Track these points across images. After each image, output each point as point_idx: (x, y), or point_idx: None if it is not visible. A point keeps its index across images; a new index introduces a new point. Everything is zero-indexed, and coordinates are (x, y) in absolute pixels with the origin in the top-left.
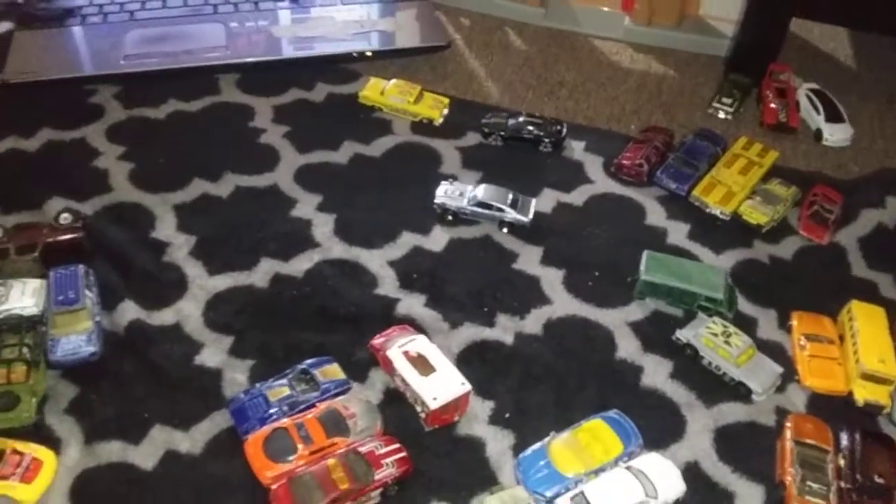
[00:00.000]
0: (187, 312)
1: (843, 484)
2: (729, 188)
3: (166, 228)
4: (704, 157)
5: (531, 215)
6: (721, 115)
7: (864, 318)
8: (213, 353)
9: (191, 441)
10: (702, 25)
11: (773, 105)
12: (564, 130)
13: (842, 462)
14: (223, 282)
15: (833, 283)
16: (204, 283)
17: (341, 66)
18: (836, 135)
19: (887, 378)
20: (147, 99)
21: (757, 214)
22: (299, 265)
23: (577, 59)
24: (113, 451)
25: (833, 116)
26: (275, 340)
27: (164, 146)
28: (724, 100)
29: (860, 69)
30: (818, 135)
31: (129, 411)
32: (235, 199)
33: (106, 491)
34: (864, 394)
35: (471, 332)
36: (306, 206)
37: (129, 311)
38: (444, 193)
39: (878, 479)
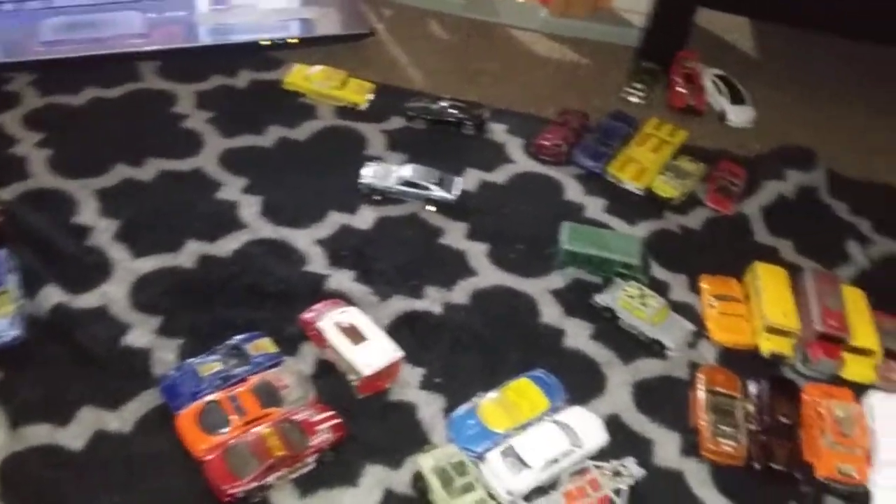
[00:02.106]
0: (112, 295)
1: (751, 426)
2: (642, 165)
3: (88, 213)
4: (618, 137)
5: (456, 193)
6: (633, 99)
7: (767, 277)
8: (141, 333)
9: (120, 420)
10: (614, 17)
11: (681, 89)
12: (486, 114)
13: (751, 407)
14: (149, 264)
15: (739, 249)
16: (129, 266)
17: (264, 53)
18: (739, 116)
19: (790, 330)
20: (65, 86)
21: (668, 189)
22: (226, 246)
23: (496, 47)
24: (40, 434)
25: (736, 99)
26: (204, 319)
27: (85, 133)
28: (636, 85)
29: (761, 56)
30: (723, 116)
31: (56, 394)
32: (159, 184)
33: (35, 474)
34: (769, 346)
35: (400, 305)
36: (232, 188)
37: (52, 295)
38: (371, 174)
39: (782, 420)
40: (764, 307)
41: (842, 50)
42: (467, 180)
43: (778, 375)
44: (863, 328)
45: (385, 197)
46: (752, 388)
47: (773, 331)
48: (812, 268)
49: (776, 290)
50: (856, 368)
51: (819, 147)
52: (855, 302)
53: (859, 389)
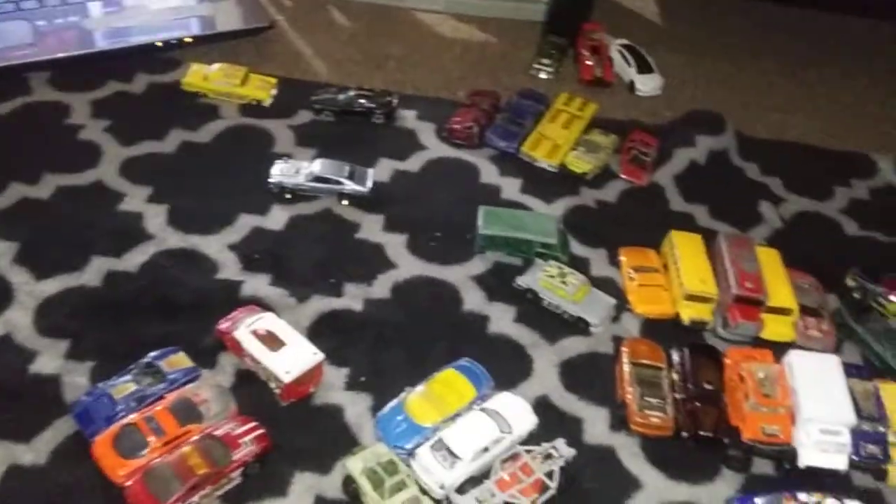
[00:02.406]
0: (16, 322)
1: (677, 395)
2: (554, 142)
3: None
4: (529, 115)
5: (370, 185)
6: (542, 75)
7: (683, 245)
8: (49, 359)
9: (34, 452)
10: None
11: (588, 62)
12: (395, 101)
13: (675, 376)
14: (52, 286)
15: (655, 219)
16: (32, 290)
17: (161, 55)
18: (647, 85)
19: (709, 297)
20: None
21: (581, 164)
22: (133, 259)
23: (401, 32)
24: None
25: (644, 68)
26: (115, 338)
27: None
28: (544, 61)
29: (666, 24)
30: (632, 86)
31: None
32: (58, 200)
33: None
34: (689, 313)
35: (319, 305)
36: (136, 199)
37: None
38: (280, 172)
39: (707, 386)
40: (682, 275)
41: (745, 9)
42: (380, 171)
43: (699, 342)
44: (779, 288)
45: (296, 195)
46: (675, 356)
47: (693, 298)
48: (726, 232)
49: (693, 258)
50: (775, 328)
51: (728, 109)
52: (770, 262)
53: (780, 349)
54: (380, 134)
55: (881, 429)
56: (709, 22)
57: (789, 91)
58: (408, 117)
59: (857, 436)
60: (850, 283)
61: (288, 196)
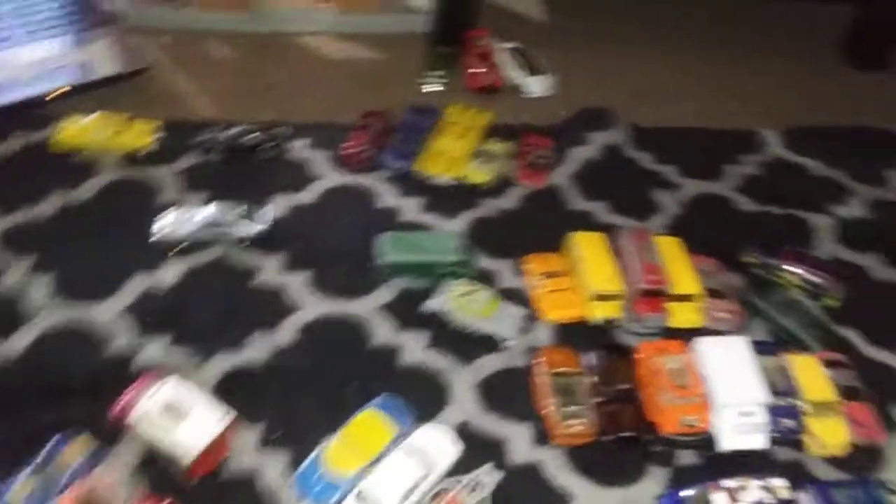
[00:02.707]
0: None
1: (595, 399)
2: (451, 155)
3: None
4: (423, 131)
5: (266, 224)
6: (432, 87)
7: (585, 245)
8: None
9: None
10: (401, 5)
11: (477, 70)
12: (285, 132)
13: (591, 380)
14: None
15: (557, 222)
16: None
17: (34, 111)
18: (538, 86)
19: (616, 294)
20: None
21: (480, 174)
22: (19, 342)
23: (285, 58)
24: None
25: (533, 70)
26: (7, 432)
27: None
28: (433, 73)
29: (553, 23)
30: (522, 89)
31: None
32: None
33: None
34: (599, 313)
35: (224, 361)
36: (16, 272)
37: None
38: (170, 223)
39: (622, 386)
40: (587, 276)
41: (629, 1)
42: (276, 207)
43: (609, 342)
44: (682, 275)
45: (190, 245)
46: (589, 359)
47: (601, 297)
48: (625, 226)
49: (596, 257)
50: (682, 315)
51: (620, 102)
52: (671, 250)
53: (691, 335)
54: (272, 168)
55: (794, 401)
56: (595, 17)
57: (677, 79)
58: (300, 147)
59: (772, 412)
60: (749, 260)
61: (182, 247)
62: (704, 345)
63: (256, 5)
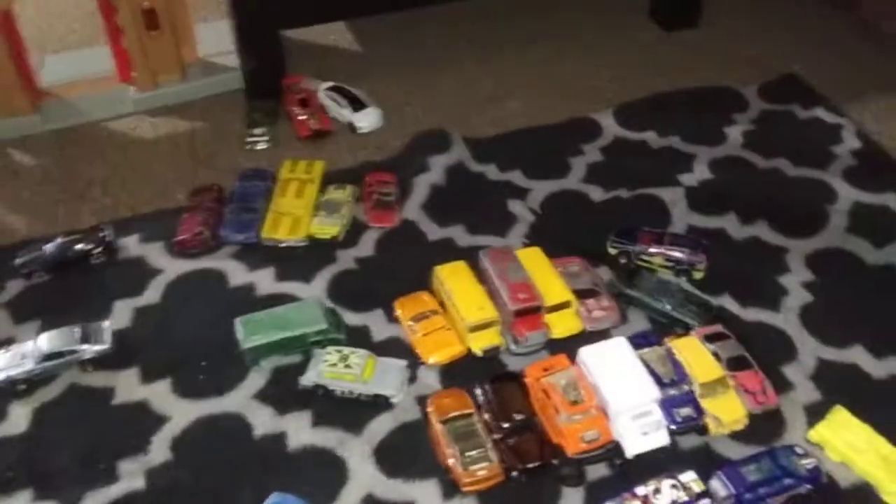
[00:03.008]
0: None
1: (494, 436)
2: (293, 215)
3: None
4: (258, 196)
5: (109, 339)
6: (259, 146)
7: (449, 277)
8: None
9: None
10: (207, 67)
11: (301, 117)
12: (110, 233)
13: (486, 416)
14: None
15: (419, 256)
16: None
17: None
18: (366, 121)
19: (490, 321)
20: None
21: (327, 228)
22: None
23: (97, 150)
24: None
25: (357, 105)
26: None
27: None
28: (256, 131)
29: (366, 51)
30: (352, 127)
31: None
32: None
33: None
34: (479, 344)
35: (96, 501)
36: None
37: None
38: (3, 364)
39: (518, 416)
40: (459, 309)
41: (434, 13)
42: (118, 317)
43: (496, 374)
44: (551, 284)
45: (32, 383)
46: (479, 395)
47: (477, 328)
48: (485, 249)
49: (463, 286)
50: (562, 325)
51: (451, 118)
52: (535, 261)
53: (575, 343)
54: (106, 274)
55: (686, 388)
56: (406, 38)
57: (499, 83)
58: (130, 245)
59: (667, 405)
60: (611, 250)
61: (22, 387)
62: (587, 354)
63: (44, 100)
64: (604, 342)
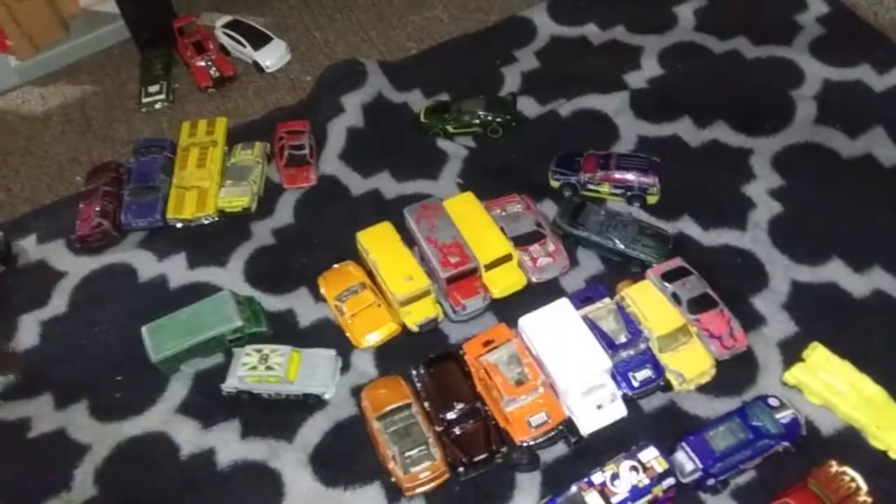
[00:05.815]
0: None
1: (436, 428)
2: (199, 188)
3: None
4: (158, 171)
5: (12, 376)
6: (157, 105)
7: (374, 244)
8: None
9: None
10: (91, 17)
11: (199, 64)
12: (3, 236)
13: (427, 405)
14: None
15: (341, 219)
16: None
17: None
18: (271, 57)
19: (422, 291)
20: None
21: (236, 200)
22: None
23: None
24: None
25: (260, 41)
26: None
27: None
28: (151, 89)
29: None
30: (258, 67)
31: None
32: None
33: None
34: (413, 319)
35: None
36: None
37: None
38: None
39: (459, 406)
40: (386, 281)
41: None
42: (26, 334)
43: (432, 356)
44: (487, 236)
45: None
46: (415, 380)
47: (408, 302)
48: (409, 206)
49: (389, 254)
50: (503, 283)
51: (369, 37)
52: (467, 211)
53: (523, 300)
54: (8, 285)
55: (642, 346)
56: None
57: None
58: (29, 248)
59: (621, 369)
60: (554, 182)
61: None
62: (527, 323)
63: None
64: (545, 308)
